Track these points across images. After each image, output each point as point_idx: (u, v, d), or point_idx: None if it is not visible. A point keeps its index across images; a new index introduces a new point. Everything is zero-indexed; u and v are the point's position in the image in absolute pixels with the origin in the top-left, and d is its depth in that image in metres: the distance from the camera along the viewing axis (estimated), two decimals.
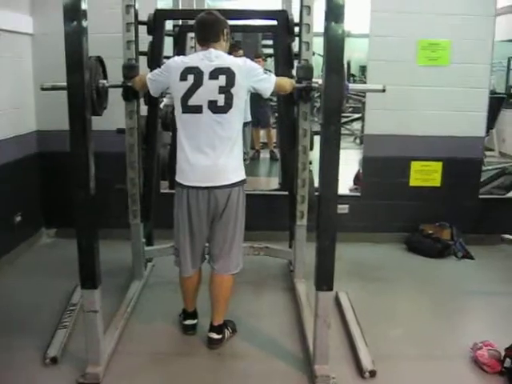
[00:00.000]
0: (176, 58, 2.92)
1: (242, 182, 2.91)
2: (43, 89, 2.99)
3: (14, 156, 4.29)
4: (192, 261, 3.03)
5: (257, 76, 2.84)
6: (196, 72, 2.74)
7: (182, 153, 2.83)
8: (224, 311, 3.11)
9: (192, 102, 2.74)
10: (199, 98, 2.73)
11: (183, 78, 2.75)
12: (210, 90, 2.73)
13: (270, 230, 4.37)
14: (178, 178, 2.89)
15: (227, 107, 2.74)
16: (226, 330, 3.12)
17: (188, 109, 2.76)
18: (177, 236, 3.01)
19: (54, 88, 2.92)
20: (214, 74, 2.73)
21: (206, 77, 2.73)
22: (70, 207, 2.53)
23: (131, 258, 3.89)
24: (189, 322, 3.21)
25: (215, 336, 3.06)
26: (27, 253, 4.48)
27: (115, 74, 3.24)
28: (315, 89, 3.17)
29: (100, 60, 2.97)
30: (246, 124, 5.22)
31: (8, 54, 4.13)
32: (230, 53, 2.97)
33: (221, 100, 2.73)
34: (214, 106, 2.73)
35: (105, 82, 2.99)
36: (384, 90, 2.95)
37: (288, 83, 3.08)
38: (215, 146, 2.77)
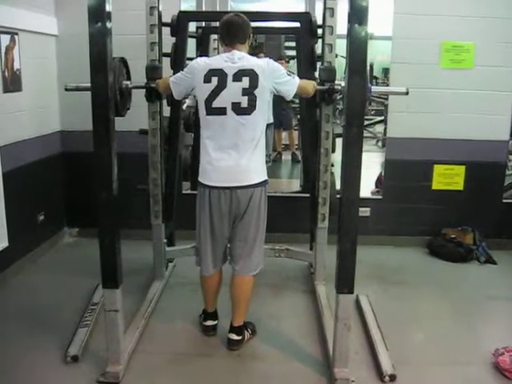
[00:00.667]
0: (199, 59, 2.91)
1: (264, 183, 2.92)
2: (67, 89, 3.03)
3: (38, 156, 4.34)
4: (213, 261, 3.04)
5: (280, 77, 2.84)
6: (220, 74, 2.75)
7: (206, 153, 2.86)
8: (244, 312, 3.11)
9: (216, 104, 2.75)
10: (223, 100, 2.74)
11: (207, 80, 2.76)
12: (233, 92, 2.74)
13: (291, 232, 4.36)
14: (201, 179, 2.91)
15: (251, 109, 2.75)
16: (245, 331, 3.13)
17: (212, 111, 2.78)
18: (198, 236, 3.02)
19: (77, 89, 2.95)
20: (238, 75, 2.74)
21: (229, 79, 2.74)
22: (92, 207, 2.56)
23: (152, 258, 3.91)
24: (209, 322, 3.22)
25: (235, 337, 3.07)
26: (50, 251, 4.53)
27: (139, 75, 3.27)
28: (338, 91, 3.16)
29: (124, 61, 3.00)
30: (268, 126, 5.20)
31: (33, 54, 4.18)
32: (253, 54, 2.98)
33: (244, 102, 2.74)
34: (237, 108, 2.74)
35: (128, 83, 3.01)
36: (407, 93, 2.94)
37: (311, 86, 3.06)
38: (238, 147, 2.79)
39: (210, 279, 3.11)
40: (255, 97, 2.75)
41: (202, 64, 2.82)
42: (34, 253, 4.30)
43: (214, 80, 2.75)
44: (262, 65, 2.80)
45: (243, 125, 2.76)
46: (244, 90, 2.74)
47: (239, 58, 2.79)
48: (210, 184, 2.86)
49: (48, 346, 3.01)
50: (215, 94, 2.75)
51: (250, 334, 3.16)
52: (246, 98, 2.74)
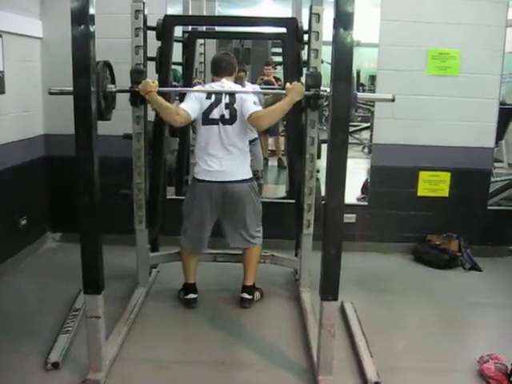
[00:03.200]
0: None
1: (250, 179, 3.47)
2: (51, 93, 3.00)
3: (20, 159, 4.29)
4: (205, 240, 3.52)
5: (246, 101, 3.32)
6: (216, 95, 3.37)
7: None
8: (254, 273, 3.66)
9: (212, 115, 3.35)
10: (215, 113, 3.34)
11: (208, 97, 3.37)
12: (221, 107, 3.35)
13: (277, 238, 4.33)
14: (195, 174, 3.43)
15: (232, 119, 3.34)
16: (256, 292, 3.69)
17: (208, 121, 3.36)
18: (188, 218, 3.48)
19: (61, 93, 2.93)
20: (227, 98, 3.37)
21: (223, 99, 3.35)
22: (75, 211, 2.52)
23: (136, 263, 3.87)
24: (191, 295, 3.60)
25: (246, 296, 3.61)
26: (32, 257, 4.47)
27: (123, 79, 3.24)
28: (323, 97, 3.16)
29: (108, 64, 2.98)
30: (254, 141, 5.16)
31: (17, 57, 4.14)
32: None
33: (227, 114, 3.33)
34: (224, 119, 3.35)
35: (112, 86, 3.02)
36: (393, 100, 2.97)
37: (266, 115, 3.30)
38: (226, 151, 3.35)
39: (193, 254, 3.59)
40: (235, 110, 3.32)
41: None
42: (16, 258, 4.24)
43: (213, 97, 3.36)
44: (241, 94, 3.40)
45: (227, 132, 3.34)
46: (226, 104, 3.34)
47: (229, 87, 3.42)
48: (204, 178, 3.37)
49: (28, 353, 2.97)
50: (211, 108, 3.33)
51: (259, 297, 3.72)
52: (227, 110, 3.33)
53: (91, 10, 2.39)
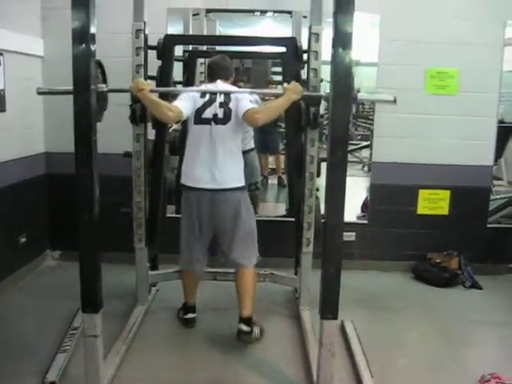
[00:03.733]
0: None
1: (242, 188, 3.26)
2: (40, 93, 2.98)
3: (21, 177, 4.30)
4: (200, 259, 3.37)
5: (242, 99, 3.15)
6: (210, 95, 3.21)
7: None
8: (250, 303, 3.32)
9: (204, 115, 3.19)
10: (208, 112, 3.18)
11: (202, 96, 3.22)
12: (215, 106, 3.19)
13: (276, 257, 4.32)
14: (183, 181, 3.27)
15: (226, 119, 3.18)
16: (254, 327, 3.32)
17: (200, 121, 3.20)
18: (185, 238, 3.34)
19: (50, 92, 2.94)
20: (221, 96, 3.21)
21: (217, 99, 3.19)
22: (75, 230, 2.52)
23: (135, 282, 3.86)
24: (190, 315, 3.55)
25: (244, 327, 3.25)
26: (31, 274, 4.46)
27: (124, 98, 3.26)
28: (322, 115, 3.17)
29: (99, 63, 2.85)
30: (250, 151, 5.17)
31: (18, 75, 4.16)
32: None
33: (221, 113, 3.17)
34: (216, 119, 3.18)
35: (104, 86, 2.86)
36: (395, 101, 2.85)
37: (260, 112, 3.07)
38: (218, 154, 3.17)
39: (193, 275, 3.49)
40: (230, 110, 3.15)
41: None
42: (15, 276, 4.23)
43: (207, 96, 3.21)
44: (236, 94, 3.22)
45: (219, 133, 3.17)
46: (220, 103, 3.18)
47: (222, 87, 3.30)
48: (192, 185, 3.21)
49: (26, 372, 2.94)
50: (205, 106, 3.18)
51: (259, 334, 3.34)
52: (222, 109, 3.16)
53: (92, 30, 2.41)
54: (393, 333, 3.62)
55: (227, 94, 3.19)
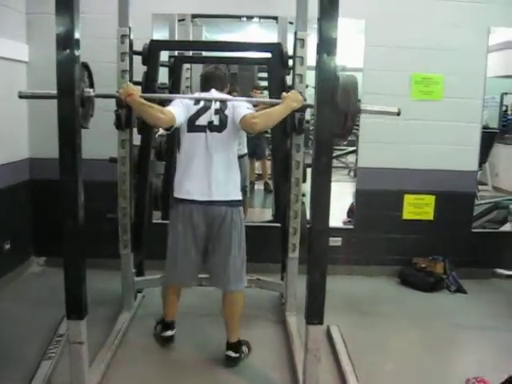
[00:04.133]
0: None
1: (238, 203, 3.08)
2: (21, 97, 2.94)
3: (5, 183, 4.26)
4: (192, 271, 3.18)
5: (238, 106, 3.03)
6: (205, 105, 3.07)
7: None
8: (237, 328, 3.22)
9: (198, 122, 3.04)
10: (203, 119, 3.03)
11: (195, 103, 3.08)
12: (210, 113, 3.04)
13: (263, 262, 4.33)
14: (175, 193, 3.06)
15: (222, 127, 3.02)
16: (242, 348, 3.24)
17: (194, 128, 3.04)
18: (171, 250, 3.13)
19: (33, 96, 2.92)
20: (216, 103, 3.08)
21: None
22: (60, 236, 2.51)
23: (121, 288, 3.84)
24: (169, 333, 3.36)
25: (233, 354, 3.17)
26: (16, 281, 4.42)
27: (109, 103, 3.25)
28: (308, 121, 3.17)
29: (85, 66, 2.84)
30: (242, 156, 5.21)
31: (3, 81, 4.14)
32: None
33: (216, 120, 3.01)
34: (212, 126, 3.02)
35: (91, 90, 2.80)
36: (399, 114, 2.80)
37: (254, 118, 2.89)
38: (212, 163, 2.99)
39: (177, 288, 3.31)
40: (226, 116, 3.00)
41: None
42: (0, 282, 4.19)
43: (201, 103, 3.07)
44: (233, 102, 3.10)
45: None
46: (216, 110, 3.03)
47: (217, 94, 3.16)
48: (185, 197, 3.00)
49: (11, 379, 2.92)
50: (199, 113, 3.04)
51: (248, 352, 3.27)
52: (217, 116, 3.01)
53: (76, 35, 2.40)
54: (379, 337, 3.63)
55: (223, 101, 3.06)
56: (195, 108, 3.04)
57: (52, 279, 4.23)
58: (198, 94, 3.27)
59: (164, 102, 3.12)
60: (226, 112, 3.02)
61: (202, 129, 3.00)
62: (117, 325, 3.56)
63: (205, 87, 3.23)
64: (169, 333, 3.36)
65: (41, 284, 4.44)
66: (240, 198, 3.10)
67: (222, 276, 3.11)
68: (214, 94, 3.15)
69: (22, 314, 3.80)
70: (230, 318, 3.19)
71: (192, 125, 3.02)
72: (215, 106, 3.04)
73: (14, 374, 2.96)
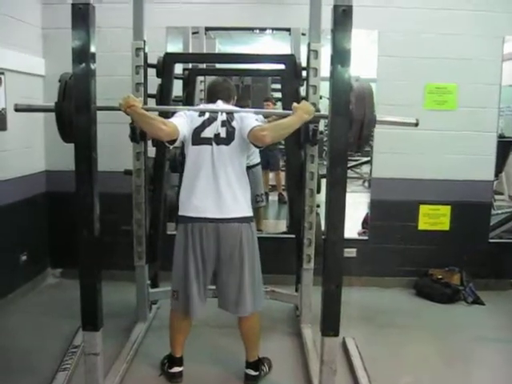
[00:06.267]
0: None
1: (250, 219, 2.92)
2: (18, 110, 2.92)
3: (22, 195, 4.31)
4: (203, 302, 2.98)
5: (245, 117, 2.91)
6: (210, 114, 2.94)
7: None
8: (255, 347, 3.13)
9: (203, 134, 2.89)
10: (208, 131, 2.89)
11: (200, 114, 2.95)
12: (216, 125, 2.90)
13: (278, 274, 4.32)
14: (182, 212, 2.89)
15: (229, 139, 2.88)
16: (262, 366, 3.16)
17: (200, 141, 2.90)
18: (179, 276, 2.95)
19: (29, 109, 2.93)
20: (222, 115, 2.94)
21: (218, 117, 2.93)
22: (75, 247, 2.52)
23: (136, 299, 3.84)
24: (177, 369, 3.12)
25: (252, 372, 3.10)
26: (32, 293, 4.46)
27: (124, 117, 3.27)
28: (322, 132, 3.17)
29: None
30: (255, 166, 5.23)
31: (19, 94, 4.18)
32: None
33: (223, 132, 2.87)
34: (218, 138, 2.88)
35: None
36: (417, 124, 2.75)
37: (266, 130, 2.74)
38: (221, 179, 2.84)
39: (186, 321, 3.07)
40: (233, 128, 2.87)
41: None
42: (16, 294, 4.23)
43: (207, 115, 2.93)
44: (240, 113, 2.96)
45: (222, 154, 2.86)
46: (223, 122, 2.90)
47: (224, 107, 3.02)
48: (192, 215, 2.84)
49: None
50: (204, 125, 2.89)
51: (268, 370, 3.20)
52: (224, 128, 2.88)
53: (92, 49, 2.43)
54: (395, 350, 3.59)
55: (230, 113, 2.93)
56: (200, 120, 2.90)
57: (68, 291, 4.25)
58: (203, 106, 3.18)
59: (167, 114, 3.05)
60: (234, 124, 2.88)
61: (208, 141, 2.86)
62: (132, 336, 3.57)
63: (211, 98, 3.10)
64: (176, 369, 3.12)
65: (57, 295, 4.46)
66: (251, 213, 2.93)
67: (236, 302, 2.93)
68: (220, 105, 3.02)
69: (38, 325, 3.82)
70: (247, 339, 3.11)
71: (197, 137, 2.87)
72: (222, 117, 2.90)
73: None
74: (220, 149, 2.84)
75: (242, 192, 2.89)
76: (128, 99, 2.70)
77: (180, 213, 2.90)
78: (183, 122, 2.87)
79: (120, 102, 2.72)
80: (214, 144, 2.85)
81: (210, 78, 5.58)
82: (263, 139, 2.71)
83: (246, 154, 2.98)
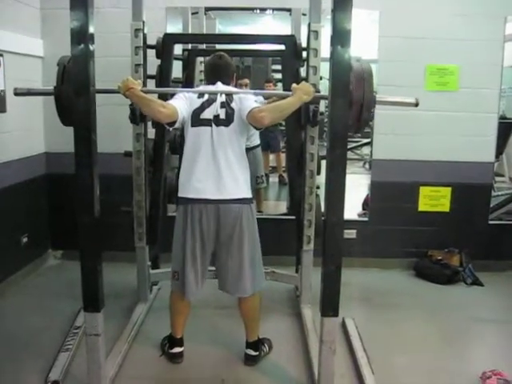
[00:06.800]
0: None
1: (250, 200, 2.91)
2: (17, 94, 2.94)
3: (22, 177, 4.31)
4: (201, 283, 2.99)
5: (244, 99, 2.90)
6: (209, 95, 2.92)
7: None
8: (256, 328, 3.15)
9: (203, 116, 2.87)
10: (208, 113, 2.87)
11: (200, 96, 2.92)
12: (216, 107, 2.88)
13: (278, 255, 4.33)
14: (181, 193, 2.88)
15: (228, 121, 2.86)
16: (262, 346, 3.19)
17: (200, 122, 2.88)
18: (179, 257, 2.94)
19: (29, 93, 2.93)
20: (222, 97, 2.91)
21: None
22: (76, 229, 2.53)
23: (136, 280, 3.87)
24: (177, 349, 3.14)
25: (252, 352, 3.13)
26: (33, 274, 4.48)
27: (123, 97, 3.25)
28: (322, 113, 3.15)
29: None
30: (255, 147, 5.22)
31: (18, 75, 4.16)
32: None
33: (222, 114, 2.85)
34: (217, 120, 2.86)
35: None
36: (417, 104, 2.74)
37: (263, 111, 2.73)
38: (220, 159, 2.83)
39: (186, 301, 3.06)
40: (233, 110, 2.85)
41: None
42: (18, 275, 4.25)
43: (206, 96, 2.91)
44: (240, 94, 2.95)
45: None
46: (222, 103, 2.87)
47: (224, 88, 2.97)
48: (192, 197, 2.83)
49: (29, 371, 2.96)
50: (203, 106, 2.87)
51: (268, 350, 3.23)
52: (223, 110, 2.85)
53: (91, 29, 2.41)
54: (394, 330, 3.62)
55: (229, 94, 2.90)
56: (199, 101, 2.88)
57: (69, 272, 4.26)
58: (203, 87, 3.12)
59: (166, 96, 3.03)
60: (233, 105, 2.86)
61: (207, 123, 2.84)
62: (133, 317, 3.60)
63: (210, 79, 3.04)
64: (177, 349, 3.14)
65: (58, 277, 4.49)
66: (251, 195, 2.92)
67: (236, 284, 2.95)
68: (219, 86, 2.96)
69: (40, 306, 3.85)
70: (247, 320, 3.12)
71: (196, 119, 2.85)
72: (221, 98, 2.87)
73: (33, 366, 3.00)
74: (219, 130, 2.83)
75: (242, 173, 2.87)
76: (127, 82, 2.70)
77: (180, 194, 2.89)
78: (182, 103, 2.85)
79: (119, 84, 2.71)
80: (213, 125, 2.83)
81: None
82: (262, 120, 2.70)
83: (246, 136, 2.96)
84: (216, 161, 2.81)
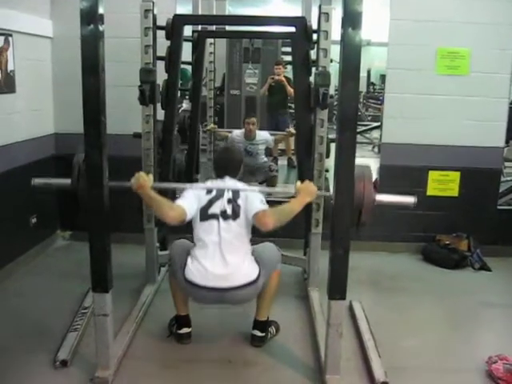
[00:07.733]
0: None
1: (257, 279, 2.96)
2: (34, 186, 3.15)
3: (31, 158, 4.32)
4: None
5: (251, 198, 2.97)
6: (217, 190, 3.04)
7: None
8: (267, 308, 3.17)
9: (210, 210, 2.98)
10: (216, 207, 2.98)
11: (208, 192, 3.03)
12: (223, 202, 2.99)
13: (286, 238, 4.34)
14: (188, 274, 2.93)
15: (235, 215, 2.96)
16: (270, 328, 3.22)
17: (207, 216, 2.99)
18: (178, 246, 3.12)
19: (46, 186, 3.23)
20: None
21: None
22: (85, 210, 2.54)
23: (145, 262, 3.89)
24: (185, 330, 3.17)
25: (258, 333, 3.14)
26: (42, 255, 4.51)
27: (133, 78, 3.26)
28: (332, 96, 3.14)
29: None
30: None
31: (27, 56, 4.16)
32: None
33: (229, 209, 2.96)
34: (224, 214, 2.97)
35: None
36: (415, 204, 3.09)
37: (269, 217, 2.82)
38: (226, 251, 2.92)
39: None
40: (239, 206, 2.95)
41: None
42: (26, 256, 4.28)
43: (213, 192, 3.02)
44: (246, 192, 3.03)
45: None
46: (229, 199, 2.98)
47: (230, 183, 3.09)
48: (201, 284, 2.90)
49: (37, 351, 2.99)
50: (211, 202, 2.98)
51: (275, 332, 3.25)
52: (230, 205, 2.96)
53: (100, 10, 2.40)
54: (401, 314, 3.63)
55: (236, 191, 3.01)
56: (207, 198, 2.99)
57: (77, 253, 4.30)
58: (211, 183, 3.18)
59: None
60: (239, 202, 2.97)
61: (215, 216, 2.95)
62: (141, 298, 3.62)
63: (219, 174, 3.15)
64: (184, 330, 3.17)
65: (66, 258, 4.52)
66: (258, 272, 2.97)
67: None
68: (227, 182, 3.08)
69: (48, 287, 3.88)
70: (261, 297, 3.13)
71: (205, 214, 2.97)
72: (228, 195, 2.99)
73: (42, 346, 3.03)
74: (227, 223, 2.94)
75: (249, 264, 2.97)
76: (139, 179, 2.76)
77: (187, 277, 2.94)
78: (191, 202, 2.95)
79: (132, 180, 2.76)
80: (220, 219, 2.94)
81: (220, 41, 5.53)
82: (266, 226, 2.79)
83: (251, 227, 3.01)
84: (222, 251, 2.90)
